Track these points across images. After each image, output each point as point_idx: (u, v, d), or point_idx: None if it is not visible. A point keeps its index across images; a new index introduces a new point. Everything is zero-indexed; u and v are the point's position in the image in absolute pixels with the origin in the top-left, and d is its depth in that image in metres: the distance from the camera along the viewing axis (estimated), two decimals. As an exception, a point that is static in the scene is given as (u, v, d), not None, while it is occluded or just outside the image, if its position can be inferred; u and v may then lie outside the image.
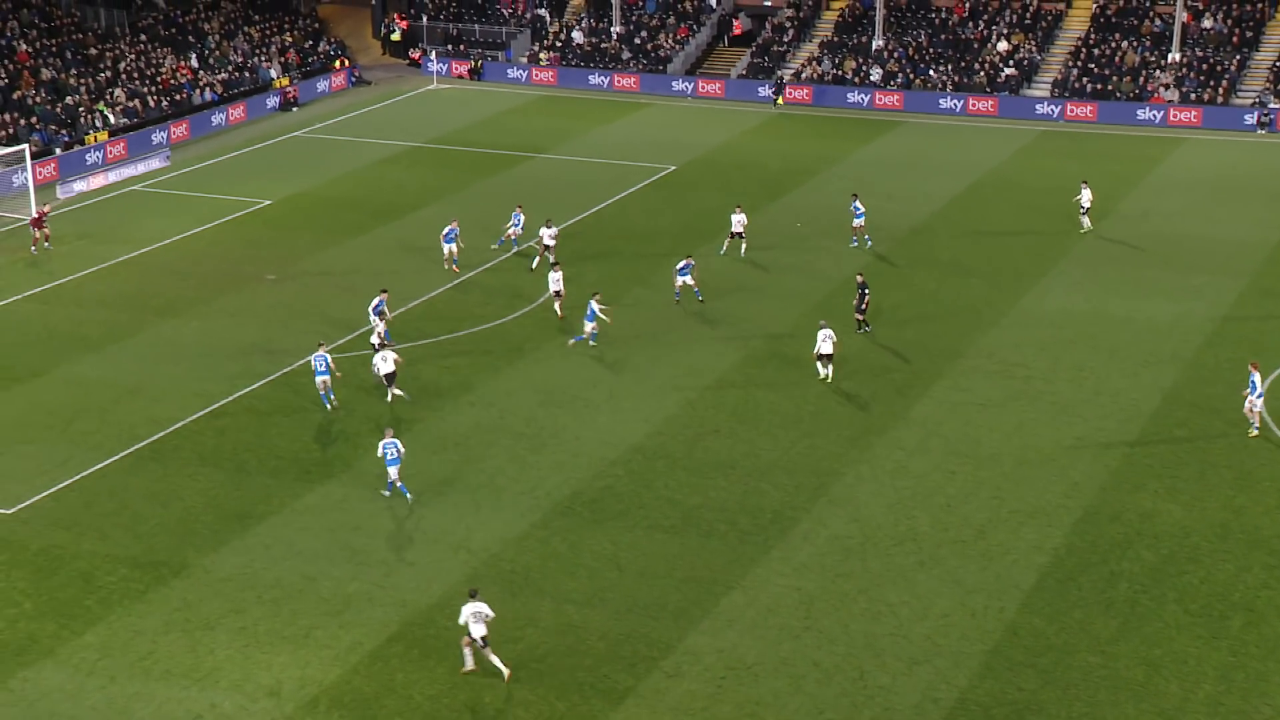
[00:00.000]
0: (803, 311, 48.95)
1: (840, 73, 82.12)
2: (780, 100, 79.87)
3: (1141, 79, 78.22)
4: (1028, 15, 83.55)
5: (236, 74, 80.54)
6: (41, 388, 44.37)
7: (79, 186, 64.47)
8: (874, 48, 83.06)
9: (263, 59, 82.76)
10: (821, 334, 43.90)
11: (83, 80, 73.67)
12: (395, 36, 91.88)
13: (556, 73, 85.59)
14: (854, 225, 55.74)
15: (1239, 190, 64.38)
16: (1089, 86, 78.28)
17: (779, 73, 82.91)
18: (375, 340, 44.38)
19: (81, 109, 71.52)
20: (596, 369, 45.39)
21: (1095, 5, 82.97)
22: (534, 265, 53.05)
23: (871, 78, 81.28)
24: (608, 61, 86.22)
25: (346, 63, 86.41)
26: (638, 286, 51.84)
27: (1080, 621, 32.13)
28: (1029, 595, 33.10)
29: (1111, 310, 49.98)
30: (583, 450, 40.11)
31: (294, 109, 79.76)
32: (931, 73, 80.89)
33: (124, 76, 75.85)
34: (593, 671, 30.54)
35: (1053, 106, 77.28)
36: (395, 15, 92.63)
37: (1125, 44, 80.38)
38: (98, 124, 71.27)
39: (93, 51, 76.68)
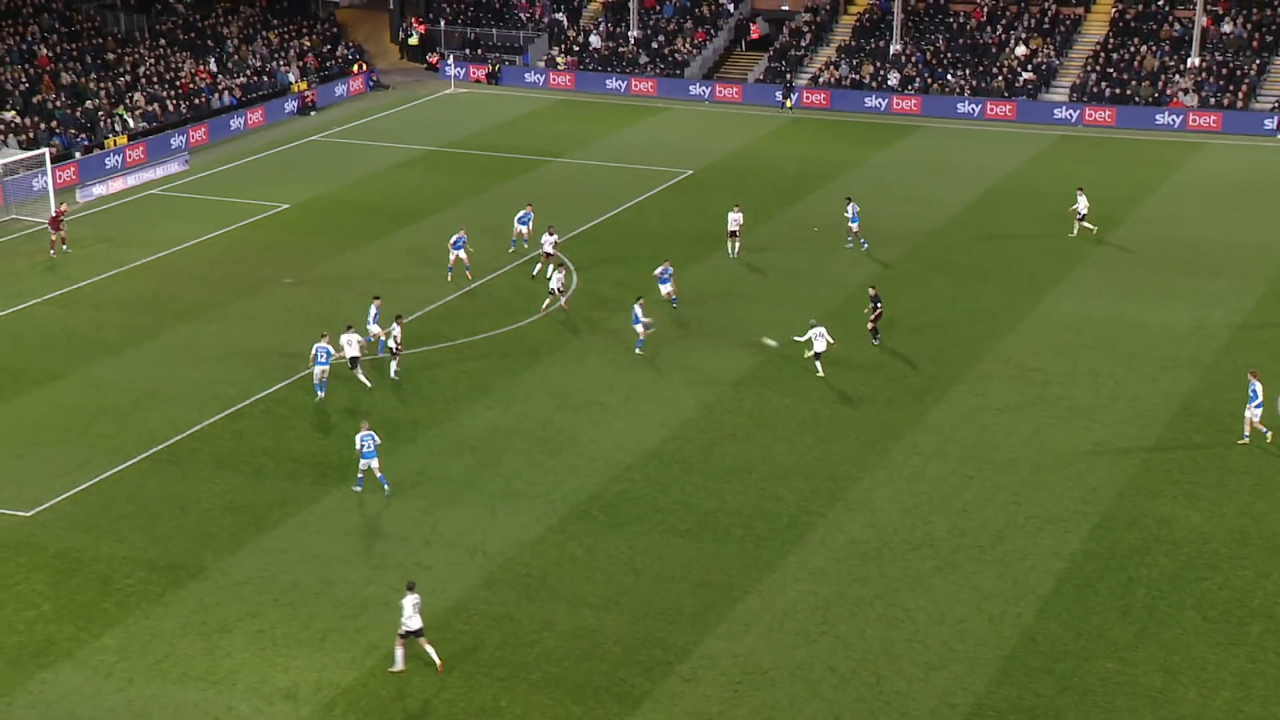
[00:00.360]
0: (818, 317, 48.77)
1: (858, 77, 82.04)
2: (789, 104, 79.69)
3: (1160, 83, 77.99)
4: (1046, 19, 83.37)
5: (255, 78, 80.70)
6: (60, 391, 44.50)
7: (98, 190, 64.64)
8: (892, 52, 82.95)
9: (281, 63, 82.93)
10: (813, 332, 44.34)
11: (102, 84, 73.90)
12: (413, 41, 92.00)
13: (574, 77, 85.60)
14: (849, 228, 56.05)
15: (1258, 195, 64.15)
16: (1108, 91, 78.06)
17: (788, 76, 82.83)
18: (392, 344, 44.43)
19: (101, 113, 71.73)
20: (613, 373, 45.39)
21: (1114, 9, 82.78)
22: (535, 273, 53.13)
23: (889, 82, 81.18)
24: (625, 66, 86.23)
25: (364, 67, 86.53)
26: (654, 290, 51.80)
27: (1098, 627, 32.04)
28: (1046, 601, 33.02)
29: (1129, 315, 49.84)
30: (599, 454, 40.11)
31: (312, 113, 79.91)
32: (949, 77, 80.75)
33: (143, 81, 76.06)
34: (608, 676, 30.53)
35: (1071, 111, 77.09)
36: (413, 20, 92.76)
37: (1144, 48, 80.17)
38: (117, 128, 71.48)
39: (112, 56, 76.91)
